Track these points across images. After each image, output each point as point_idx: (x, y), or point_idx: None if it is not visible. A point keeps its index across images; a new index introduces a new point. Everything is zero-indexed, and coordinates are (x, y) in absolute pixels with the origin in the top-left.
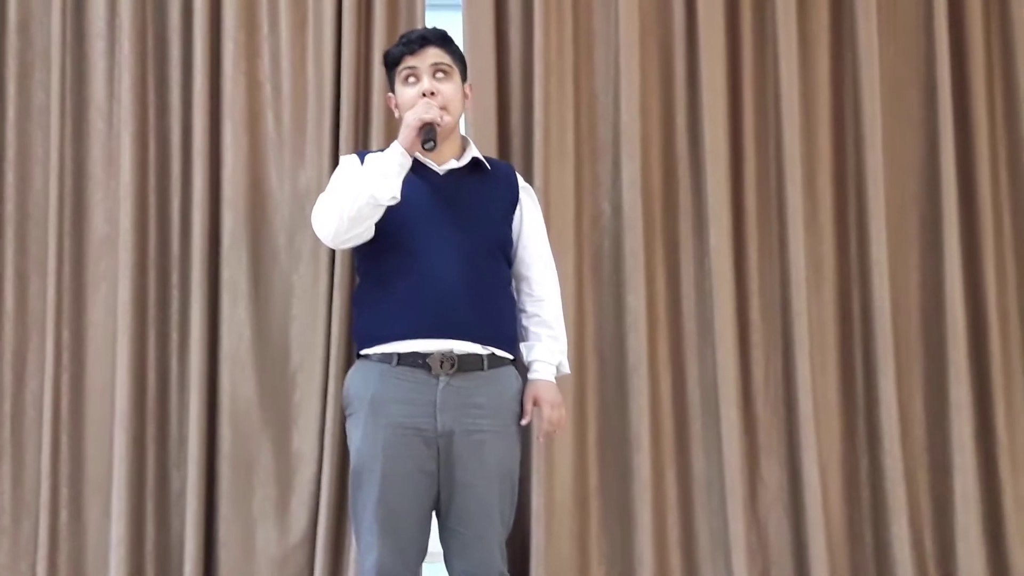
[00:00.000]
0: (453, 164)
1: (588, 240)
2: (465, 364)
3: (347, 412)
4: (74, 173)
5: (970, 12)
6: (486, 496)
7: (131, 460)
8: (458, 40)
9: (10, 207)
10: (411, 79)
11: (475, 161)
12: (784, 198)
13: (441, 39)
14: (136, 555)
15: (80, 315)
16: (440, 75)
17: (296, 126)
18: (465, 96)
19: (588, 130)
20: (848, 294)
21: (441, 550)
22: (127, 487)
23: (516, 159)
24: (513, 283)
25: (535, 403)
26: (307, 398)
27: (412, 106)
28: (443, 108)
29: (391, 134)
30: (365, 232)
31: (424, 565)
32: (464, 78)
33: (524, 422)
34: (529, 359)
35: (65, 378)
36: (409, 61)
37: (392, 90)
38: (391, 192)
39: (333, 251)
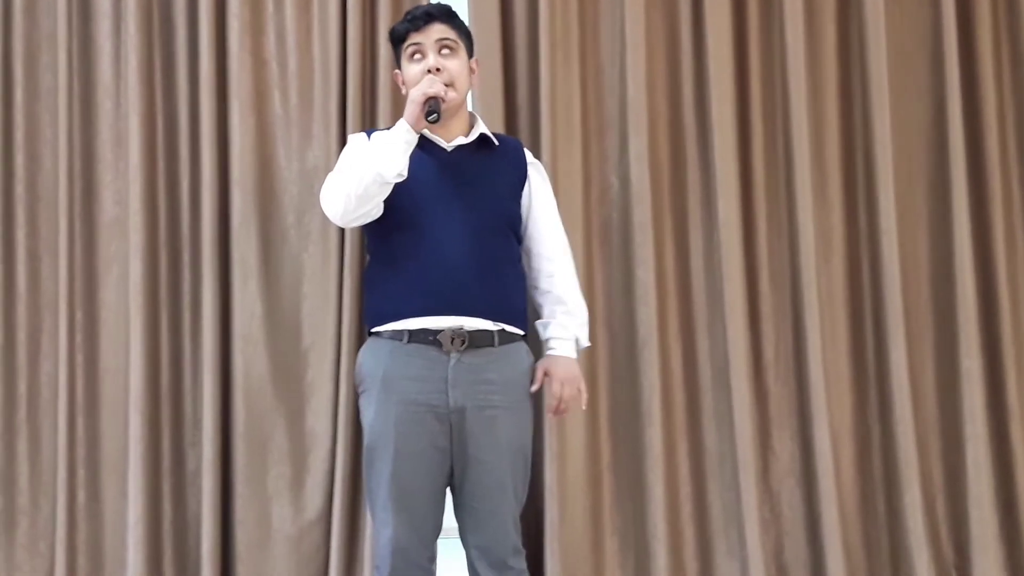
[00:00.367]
0: (461, 140)
1: (596, 214)
2: (476, 340)
3: (359, 390)
4: (83, 154)
5: None
6: (499, 471)
7: (146, 440)
8: (463, 15)
9: (20, 189)
10: (417, 56)
11: (483, 137)
12: (792, 169)
13: (446, 15)
14: (154, 534)
15: (92, 296)
16: (446, 51)
17: (303, 104)
18: (472, 71)
19: (595, 104)
20: (858, 264)
21: (456, 525)
22: (143, 467)
23: (523, 134)
24: (524, 259)
25: (546, 375)
26: (320, 377)
27: (418, 83)
28: (449, 84)
29: (398, 111)
30: (373, 210)
31: (440, 540)
32: (470, 54)
33: (533, 389)
34: (545, 337)
35: (79, 359)
36: (414, 38)
37: (399, 67)
38: (397, 169)
39: (343, 229)
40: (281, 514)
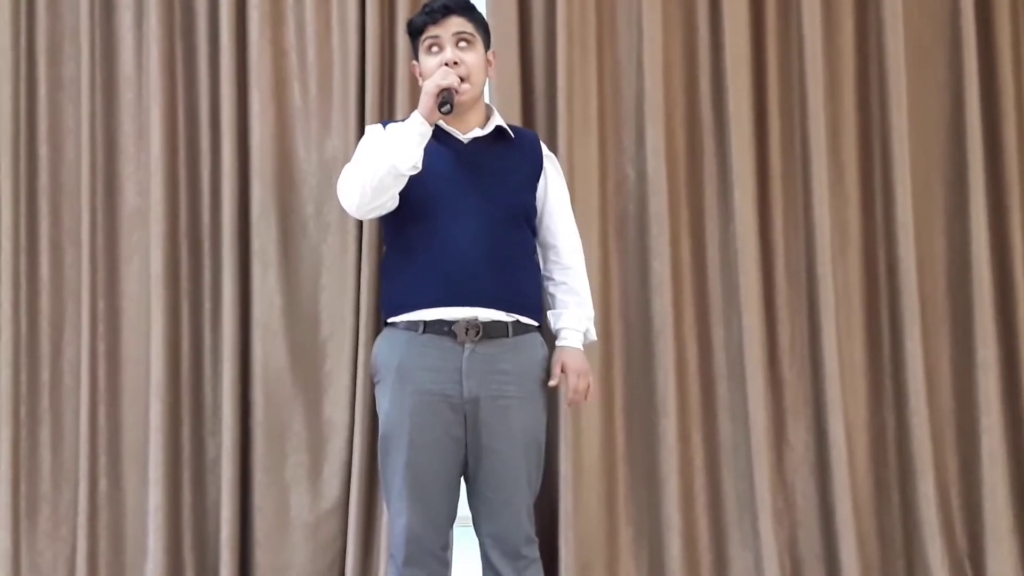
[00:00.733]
0: (477, 132)
1: (613, 205)
2: (490, 331)
3: (375, 379)
4: (105, 145)
5: None
6: (512, 461)
7: (167, 428)
8: (481, 7)
9: (44, 179)
10: (434, 48)
11: (499, 129)
12: (809, 161)
13: (463, 7)
14: (173, 521)
15: (114, 286)
16: (463, 44)
17: (322, 95)
18: (488, 64)
19: (612, 96)
20: (874, 256)
21: (470, 514)
22: (163, 454)
23: (540, 125)
24: (538, 251)
25: (562, 370)
26: (338, 366)
27: (434, 75)
28: (465, 78)
29: (416, 102)
30: (389, 202)
31: (455, 529)
32: (487, 46)
33: (552, 383)
34: (557, 327)
35: (101, 348)
36: (432, 31)
37: (416, 58)
38: (412, 161)
39: (361, 220)
40: (299, 502)
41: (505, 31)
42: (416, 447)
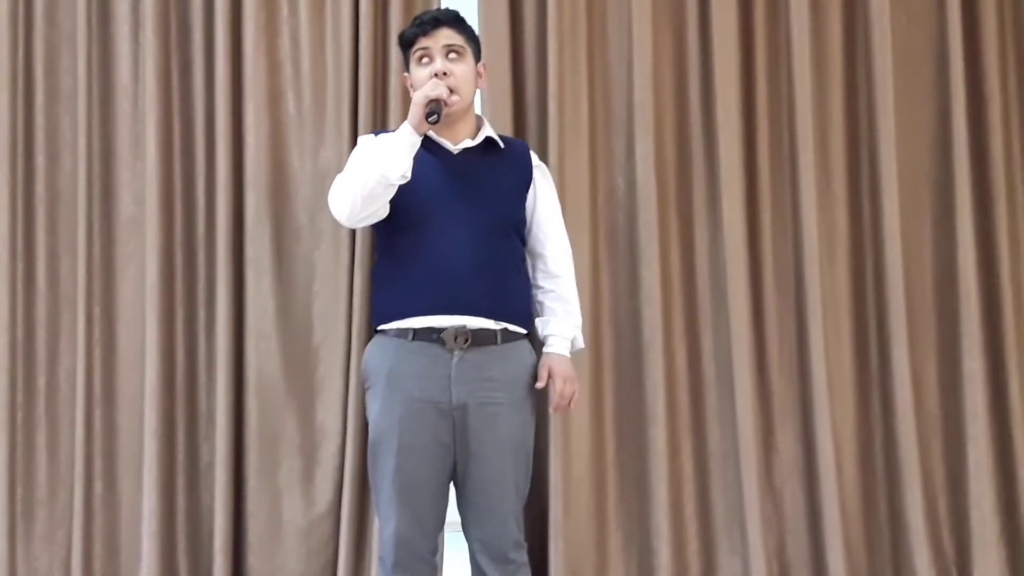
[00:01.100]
0: (467, 143)
1: (603, 215)
2: (478, 339)
3: (365, 386)
4: (102, 155)
5: None
6: (500, 467)
7: (161, 434)
8: (472, 16)
9: (40, 188)
10: (424, 60)
11: (489, 140)
12: (797, 170)
13: (454, 20)
14: (168, 526)
15: (110, 293)
16: (453, 56)
17: (316, 106)
18: (479, 76)
19: (602, 105)
20: (862, 265)
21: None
22: (158, 460)
23: (531, 134)
24: (528, 260)
25: (549, 375)
26: (330, 373)
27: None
28: (454, 89)
29: (408, 113)
30: (380, 211)
31: (446, 534)
32: (477, 59)
33: (539, 385)
34: (544, 333)
35: (97, 354)
36: (422, 42)
37: (407, 70)
38: (401, 171)
39: (354, 229)
40: (292, 507)
41: (496, 41)
42: (405, 453)
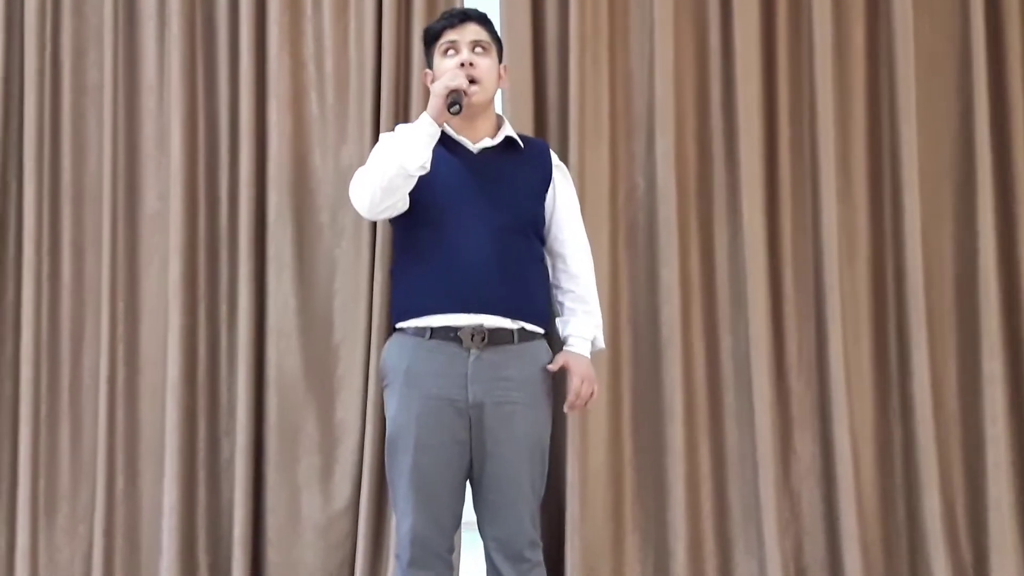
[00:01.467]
0: (487, 142)
1: (623, 214)
2: (495, 338)
3: (384, 383)
4: (127, 151)
5: None
6: (516, 465)
7: (183, 429)
8: (495, 17)
9: (66, 184)
10: (450, 52)
11: (509, 139)
12: (818, 170)
13: (481, 19)
14: (188, 519)
15: (134, 288)
16: (479, 50)
17: (339, 105)
18: (500, 76)
19: (623, 105)
20: (882, 265)
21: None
22: (179, 455)
23: (552, 135)
24: (547, 260)
25: (568, 372)
26: (350, 370)
27: None
28: (478, 81)
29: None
30: (400, 203)
31: (463, 532)
32: (500, 59)
33: (552, 368)
34: (565, 333)
35: (120, 349)
36: (450, 35)
37: (429, 66)
38: (420, 161)
39: (374, 227)
40: (311, 502)
41: (518, 41)
42: (422, 450)
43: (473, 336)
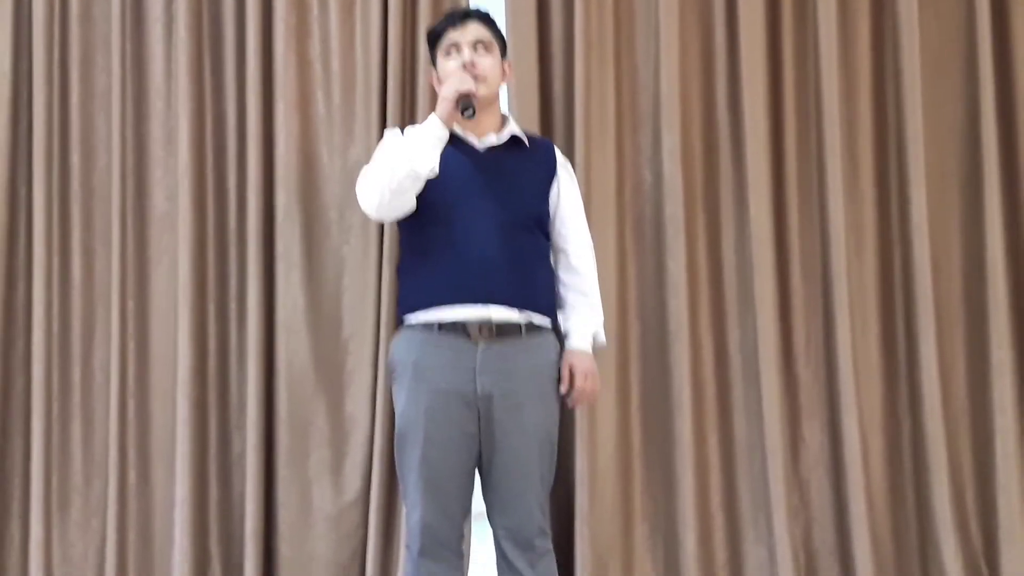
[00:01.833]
0: (493, 140)
1: (630, 208)
2: (503, 331)
3: (392, 377)
4: (135, 152)
5: None
6: (525, 457)
7: (194, 424)
8: (500, 14)
9: (76, 185)
10: (452, 52)
11: (514, 137)
12: (824, 164)
13: (483, 17)
14: (200, 513)
15: (144, 287)
16: (480, 49)
17: (345, 104)
18: (504, 73)
19: (629, 100)
20: (889, 258)
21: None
22: (190, 449)
23: (558, 131)
24: (552, 255)
25: (570, 371)
26: (359, 365)
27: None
28: (482, 79)
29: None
30: (407, 204)
31: (473, 523)
32: (504, 56)
33: (563, 389)
34: (566, 328)
35: (131, 347)
36: (452, 35)
37: (434, 66)
38: (430, 164)
39: (382, 224)
40: (321, 495)
41: (524, 37)
42: (431, 442)
43: (481, 329)
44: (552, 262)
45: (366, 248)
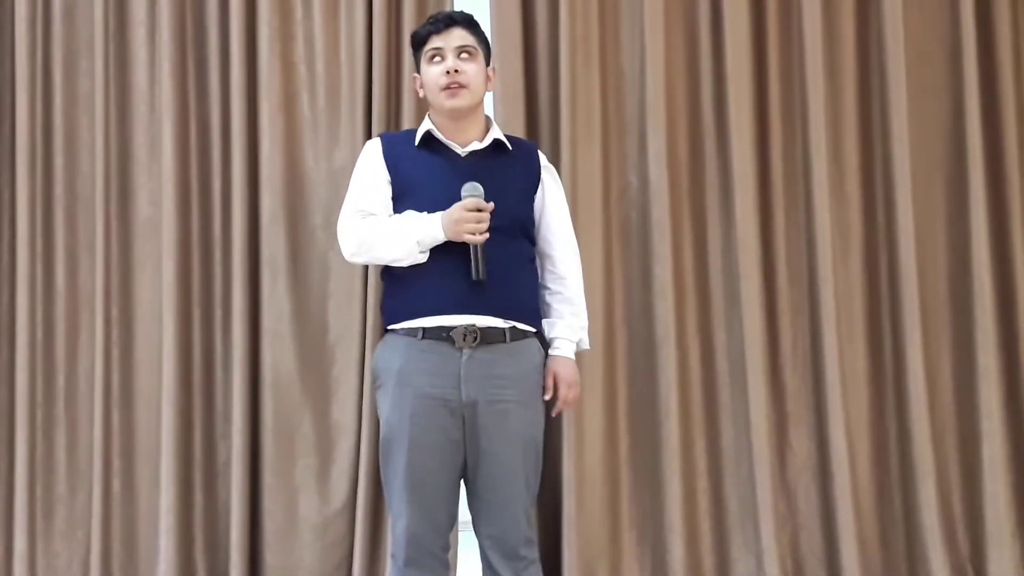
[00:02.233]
0: (476, 145)
1: (616, 213)
2: (487, 337)
3: (376, 384)
4: (119, 157)
5: None
6: (510, 463)
7: (179, 432)
8: (485, 18)
9: (59, 190)
10: (436, 59)
11: (497, 142)
12: (810, 166)
13: (467, 22)
14: (185, 522)
15: (128, 293)
16: (464, 56)
17: (330, 107)
18: (488, 79)
19: (615, 104)
20: (875, 261)
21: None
22: (175, 458)
23: (543, 135)
24: (537, 260)
25: (554, 380)
26: (345, 371)
27: (435, 83)
28: (465, 86)
29: (421, 114)
30: None
31: (459, 533)
32: (487, 62)
33: (547, 397)
34: (550, 336)
35: (115, 354)
36: (435, 41)
37: (418, 70)
38: (424, 259)
39: None
40: (308, 504)
41: (509, 42)
42: (416, 449)
43: (465, 336)
44: (537, 265)
45: None
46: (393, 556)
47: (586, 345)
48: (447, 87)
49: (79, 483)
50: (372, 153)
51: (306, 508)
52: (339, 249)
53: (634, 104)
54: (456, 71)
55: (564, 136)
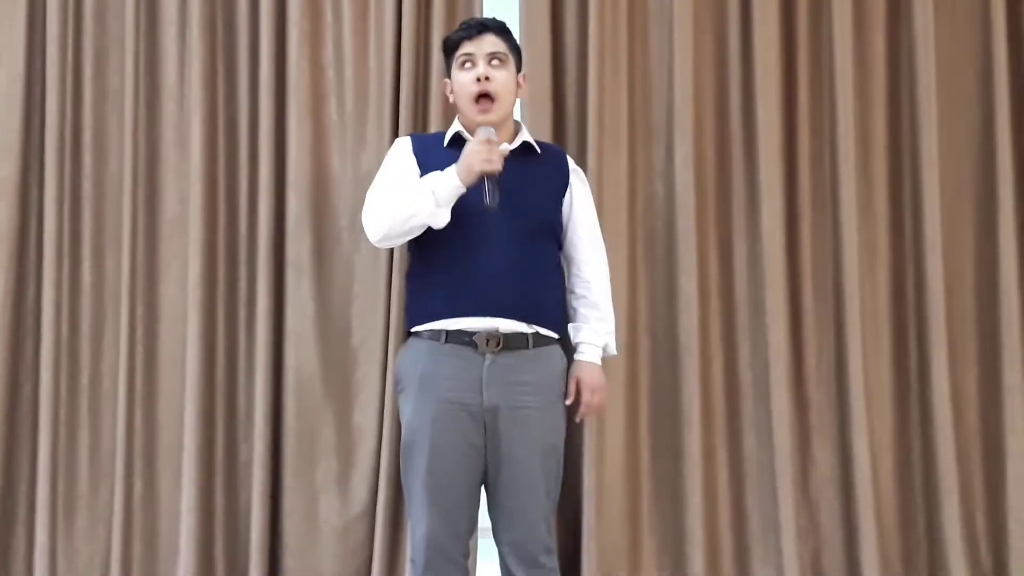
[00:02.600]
0: (504, 147)
1: (641, 222)
2: (510, 342)
3: (398, 388)
4: (147, 155)
5: None
6: (531, 470)
7: (201, 432)
8: (514, 24)
9: (87, 187)
10: (467, 65)
11: (526, 145)
12: (838, 180)
13: (499, 28)
14: (206, 523)
15: (153, 292)
16: (496, 62)
17: (358, 110)
18: (518, 86)
19: (642, 113)
20: (902, 276)
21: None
22: (197, 458)
23: (570, 143)
24: (563, 264)
25: (577, 387)
26: (368, 374)
27: (466, 91)
28: (495, 100)
29: (448, 118)
30: (413, 236)
31: (479, 540)
32: (519, 69)
33: (568, 402)
34: (576, 340)
35: (139, 352)
36: (467, 47)
37: (448, 75)
38: (445, 220)
39: None
40: (328, 507)
41: (537, 49)
42: (437, 454)
43: (488, 340)
44: (563, 269)
45: (376, 256)
46: (412, 561)
47: (613, 351)
48: (478, 100)
49: (101, 481)
50: (402, 149)
51: (326, 511)
52: (364, 252)
53: (661, 113)
54: (487, 78)
55: (591, 144)
